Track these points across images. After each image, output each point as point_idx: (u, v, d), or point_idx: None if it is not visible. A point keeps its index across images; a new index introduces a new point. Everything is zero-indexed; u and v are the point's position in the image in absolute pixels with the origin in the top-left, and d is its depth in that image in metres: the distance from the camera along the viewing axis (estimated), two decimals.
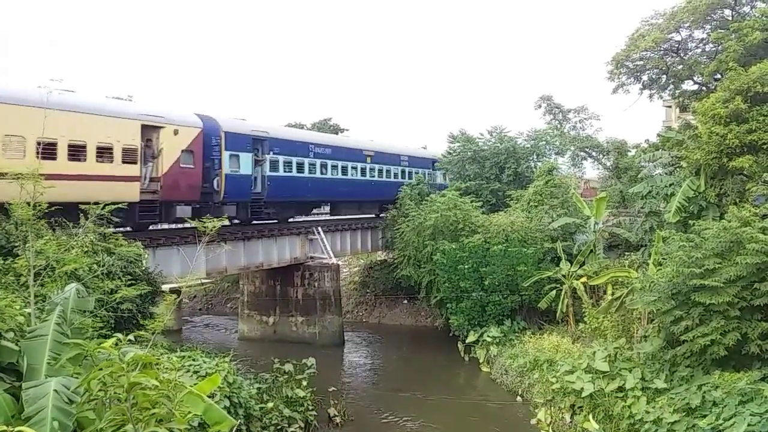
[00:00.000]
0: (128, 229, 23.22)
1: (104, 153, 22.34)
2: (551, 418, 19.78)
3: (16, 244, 10.92)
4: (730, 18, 28.83)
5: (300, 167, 33.15)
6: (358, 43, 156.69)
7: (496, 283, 28.56)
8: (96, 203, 13.18)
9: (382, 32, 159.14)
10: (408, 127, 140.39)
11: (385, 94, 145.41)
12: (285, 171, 32.03)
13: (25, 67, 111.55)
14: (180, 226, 26.72)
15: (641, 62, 31.45)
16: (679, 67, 30.42)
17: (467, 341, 28.76)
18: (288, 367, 21.03)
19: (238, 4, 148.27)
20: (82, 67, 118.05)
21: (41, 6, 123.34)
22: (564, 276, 26.97)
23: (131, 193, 22.86)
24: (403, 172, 42.85)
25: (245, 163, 29.12)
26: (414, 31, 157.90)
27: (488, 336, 27.71)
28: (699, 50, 30.85)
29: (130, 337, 7.60)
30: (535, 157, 41.48)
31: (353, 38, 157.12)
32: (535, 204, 33.21)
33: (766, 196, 19.73)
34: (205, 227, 10.41)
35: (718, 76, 26.54)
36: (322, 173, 34.86)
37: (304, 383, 20.62)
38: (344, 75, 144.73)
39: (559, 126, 44.71)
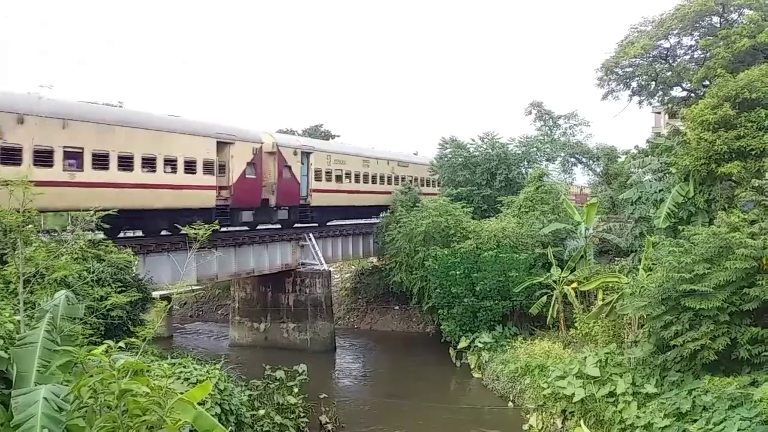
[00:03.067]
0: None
1: None
2: (543, 423, 19.81)
3: (5, 251, 10.85)
4: (718, 25, 29.13)
5: None
6: (350, 50, 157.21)
7: (488, 289, 28.58)
8: None
9: (373, 39, 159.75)
10: (399, 133, 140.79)
11: (376, 101, 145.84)
12: None
13: (20, 75, 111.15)
14: (170, 232, 26.58)
15: (630, 69, 31.71)
16: (668, 73, 30.69)
17: (459, 347, 28.76)
18: (279, 373, 20.95)
19: (230, 11, 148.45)
20: (72, 74, 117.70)
21: (29, 15, 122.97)
22: (555, 281, 27.05)
23: None
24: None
25: None
26: (406, 37, 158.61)
27: (480, 342, 27.73)
28: (687, 57, 31.15)
29: (121, 344, 7.58)
30: (526, 163, 41.62)
31: (344, 45, 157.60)
32: (526, 210, 33.32)
33: (755, 201, 19.87)
34: (196, 233, 10.37)
35: (707, 82, 26.76)
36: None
37: (296, 390, 20.55)
38: (336, 81, 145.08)
39: (549, 132, 44.93)
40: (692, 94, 29.91)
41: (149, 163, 24.18)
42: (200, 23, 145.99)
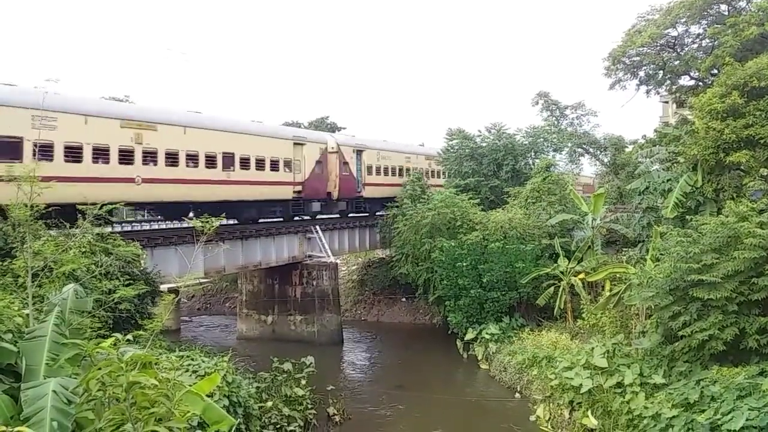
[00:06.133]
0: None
1: None
2: (550, 414, 19.79)
3: (14, 245, 10.89)
4: (726, 13, 28.85)
5: None
6: (355, 41, 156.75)
7: (495, 280, 28.57)
8: None
9: (379, 30, 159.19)
10: (406, 124, 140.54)
11: (382, 92, 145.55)
12: None
13: (20, 68, 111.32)
14: (177, 225, 26.68)
15: (638, 58, 31.47)
16: (676, 62, 30.46)
17: (466, 339, 28.76)
18: (287, 365, 21.03)
19: (235, 3, 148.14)
20: (75, 68, 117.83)
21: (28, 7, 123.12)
22: (562, 272, 27.00)
23: None
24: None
25: None
26: (411, 28, 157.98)
27: (487, 333, 27.73)
28: (695, 45, 30.88)
29: (129, 337, 7.61)
30: (532, 153, 41.49)
31: (350, 36, 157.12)
32: (533, 201, 33.26)
33: (764, 191, 19.74)
34: (203, 226, 10.38)
35: (715, 71, 26.53)
36: None
37: (303, 382, 20.63)
38: (341, 73, 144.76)
39: (556, 123, 44.75)
40: (700, 83, 29.67)
41: None
42: (204, 15, 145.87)
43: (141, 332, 9.10)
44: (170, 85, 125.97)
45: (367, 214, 40.04)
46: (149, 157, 24.73)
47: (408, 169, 42.15)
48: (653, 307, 17.94)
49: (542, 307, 27.81)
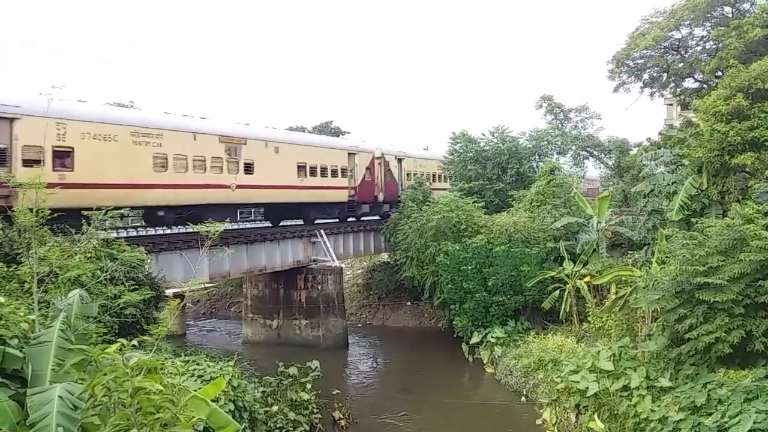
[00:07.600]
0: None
1: None
2: (556, 418, 19.73)
3: (20, 251, 10.92)
4: (730, 15, 28.81)
5: None
6: (360, 46, 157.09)
7: (500, 284, 28.52)
8: None
9: (383, 34, 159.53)
10: (410, 128, 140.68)
11: (387, 97, 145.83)
12: None
13: (27, 75, 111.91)
14: (182, 230, 26.73)
15: (642, 61, 31.43)
16: (680, 65, 30.40)
17: (471, 342, 28.72)
18: (292, 370, 21.04)
19: (239, 9, 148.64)
20: (83, 74, 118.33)
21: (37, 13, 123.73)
22: (567, 276, 26.92)
23: None
24: None
25: None
26: (416, 32, 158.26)
27: (492, 337, 27.68)
28: (699, 48, 30.82)
29: (134, 342, 7.63)
30: (537, 157, 41.41)
31: (354, 41, 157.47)
32: (538, 204, 33.17)
33: None
34: (207, 231, 10.39)
35: (719, 73, 26.48)
36: None
37: (309, 386, 20.63)
38: (345, 78, 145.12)
39: (560, 126, 44.64)
40: (705, 85, 29.61)
41: None
42: (209, 20, 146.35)
43: (146, 337, 9.12)
44: (174, 88, 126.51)
45: None
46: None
47: None
48: (659, 310, 17.87)
49: (548, 311, 27.75)
